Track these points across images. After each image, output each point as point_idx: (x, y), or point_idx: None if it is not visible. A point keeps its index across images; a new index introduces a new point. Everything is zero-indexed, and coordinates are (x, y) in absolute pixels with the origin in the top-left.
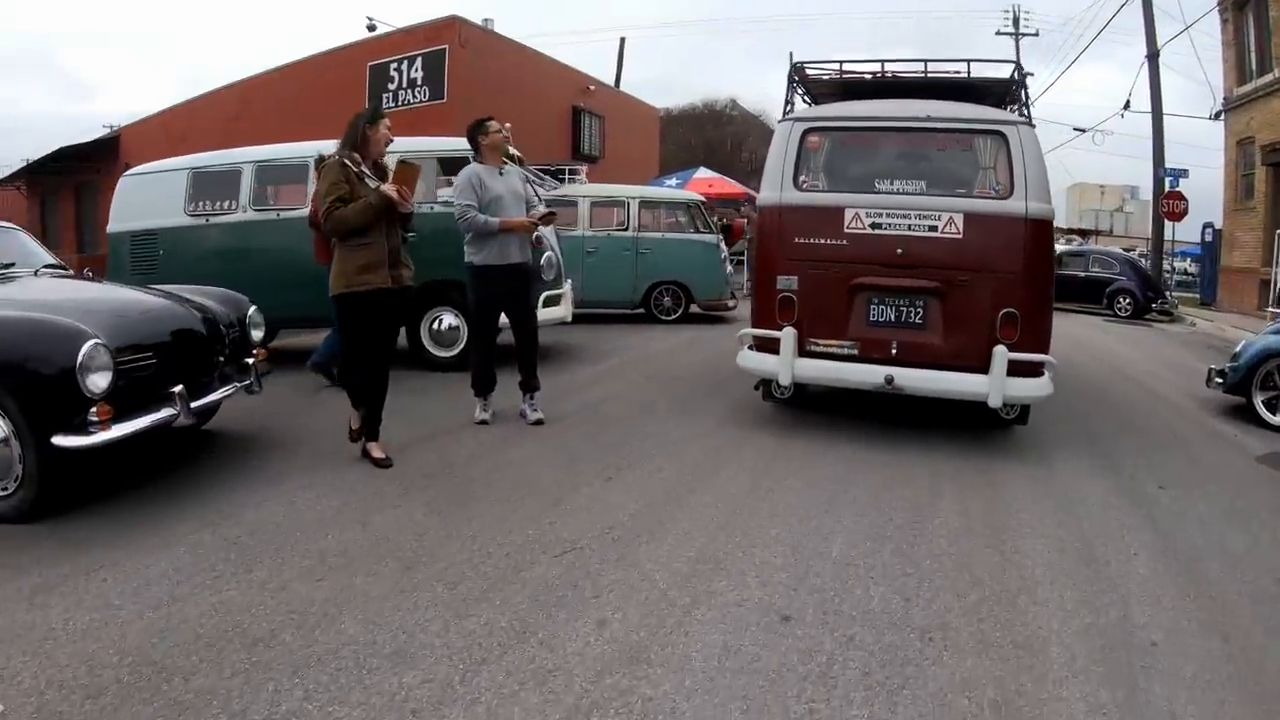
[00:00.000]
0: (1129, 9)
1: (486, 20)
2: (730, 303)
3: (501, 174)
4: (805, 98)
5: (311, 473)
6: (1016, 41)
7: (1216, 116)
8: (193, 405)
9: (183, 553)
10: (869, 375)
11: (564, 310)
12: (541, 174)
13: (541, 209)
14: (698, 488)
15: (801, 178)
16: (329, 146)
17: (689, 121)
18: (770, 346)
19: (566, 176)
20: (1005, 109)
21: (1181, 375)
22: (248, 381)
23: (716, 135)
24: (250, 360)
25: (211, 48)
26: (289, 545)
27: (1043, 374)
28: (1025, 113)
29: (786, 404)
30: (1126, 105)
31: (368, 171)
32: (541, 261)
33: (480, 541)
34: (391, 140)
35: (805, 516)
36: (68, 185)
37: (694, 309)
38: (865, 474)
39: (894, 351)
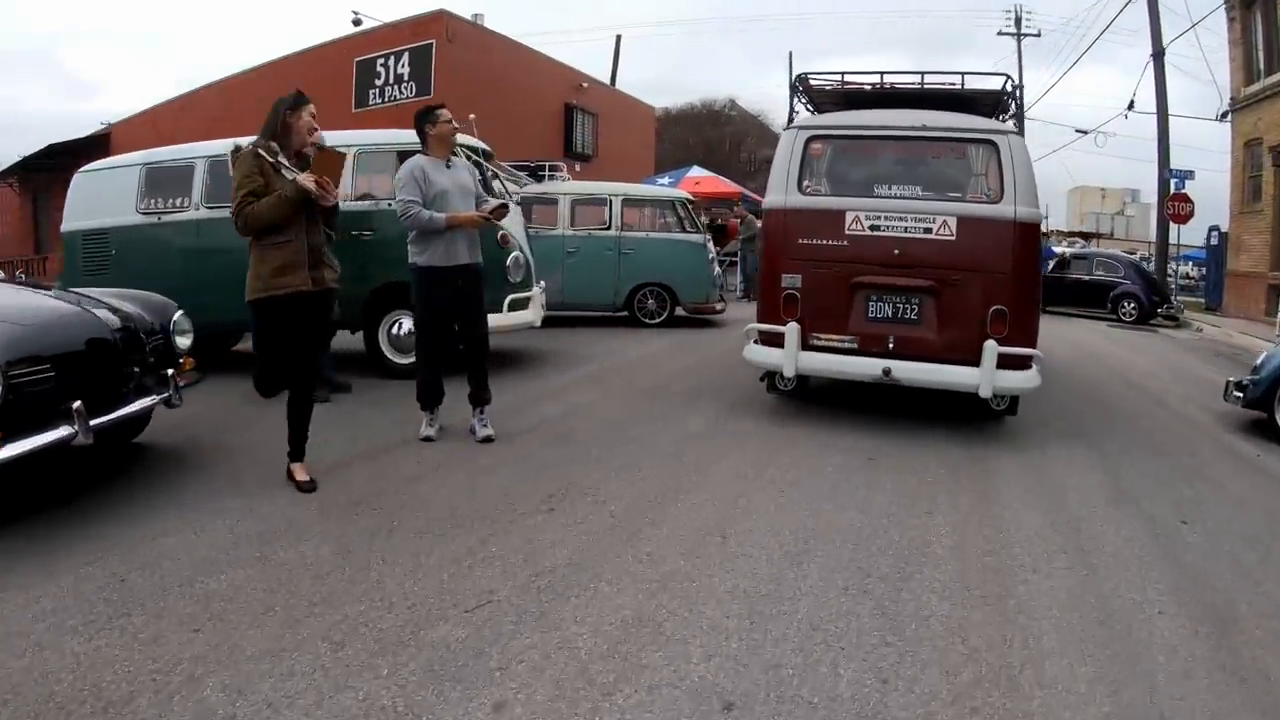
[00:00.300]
0: (1134, 9)
1: (476, 15)
2: (718, 305)
3: (449, 167)
4: (808, 106)
5: (229, 496)
6: (1018, 42)
7: (1223, 117)
8: (100, 422)
9: (67, 589)
10: (868, 368)
11: (532, 314)
12: (516, 170)
13: (493, 202)
14: (651, 521)
15: (805, 182)
16: None
17: (687, 121)
18: (775, 341)
19: (547, 173)
20: (996, 119)
21: (1192, 385)
22: (166, 394)
23: (715, 135)
24: (170, 371)
25: (208, 45)
26: (177, 585)
27: (1030, 367)
28: (1015, 123)
29: (787, 400)
30: (1130, 105)
31: (286, 163)
32: (508, 262)
33: (385, 589)
34: (316, 129)
35: (770, 563)
36: (60, 182)
37: (680, 312)
38: (844, 516)
39: (891, 345)
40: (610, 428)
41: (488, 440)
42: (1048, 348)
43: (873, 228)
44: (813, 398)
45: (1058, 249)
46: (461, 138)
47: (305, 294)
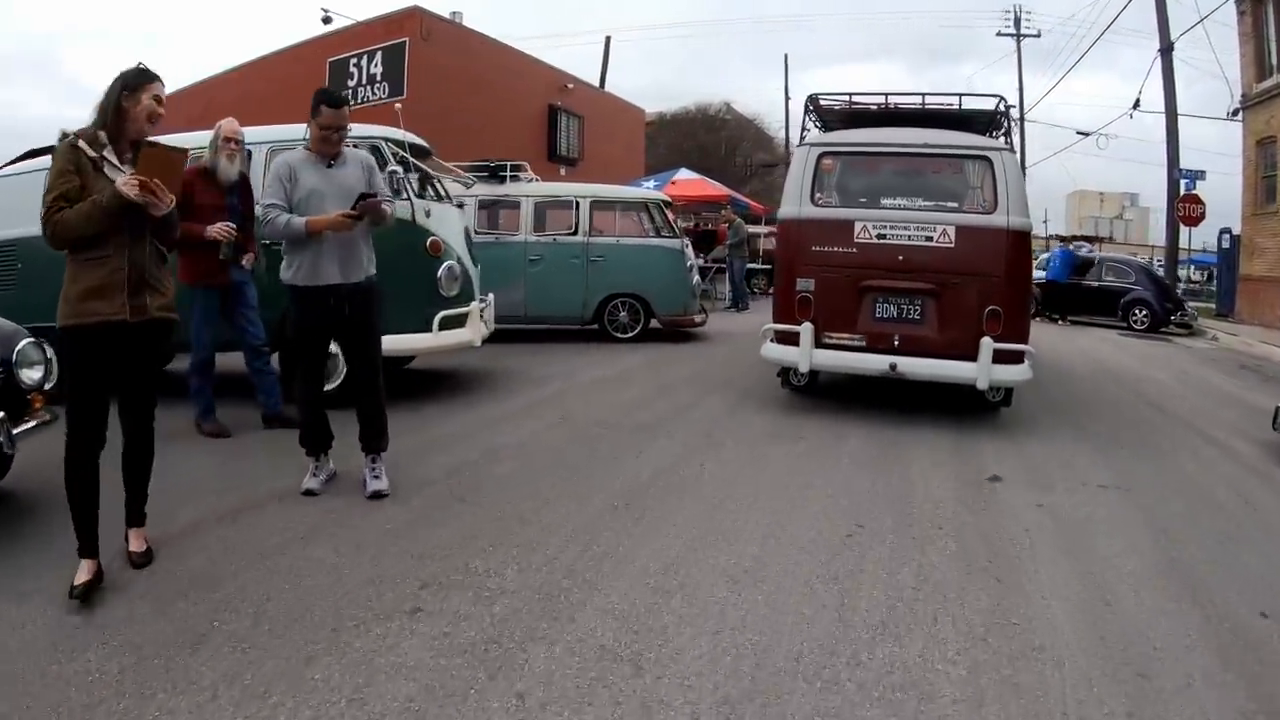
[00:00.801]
0: (1136, 8)
1: (455, 14)
2: (697, 317)
3: (331, 165)
4: (817, 124)
5: (50, 569)
6: (1018, 43)
7: (1234, 114)
8: None
9: None
10: (875, 363)
11: (470, 333)
12: (472, 170)
13: (383, 196)
14: (544, 633)
15: (817, 195)
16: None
17: (682, 125)
18: (791, 339)
19: (509, 174)
20: (990, 136)
21: (1223, 405)
22: None
23: (711, 139)
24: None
25: (205, 45)
26: None
27: (1023, 361)
28: (1007, 139)
29: (759, 433)
30: (1136, 104)
31: (113, 160)
32: (439, 273)
33: None
34: (160, 115)
35: (711, 686)
36: None
37: (655, 324)
38: (814, 627)
39: (896, 343)
40: (537, 476)
41: (378, 496)
42: (1054, 360)
43: (879, 236)
44: (793, 430)
45: (1082, 251)
46: (387, 131)
47: (121, 326)
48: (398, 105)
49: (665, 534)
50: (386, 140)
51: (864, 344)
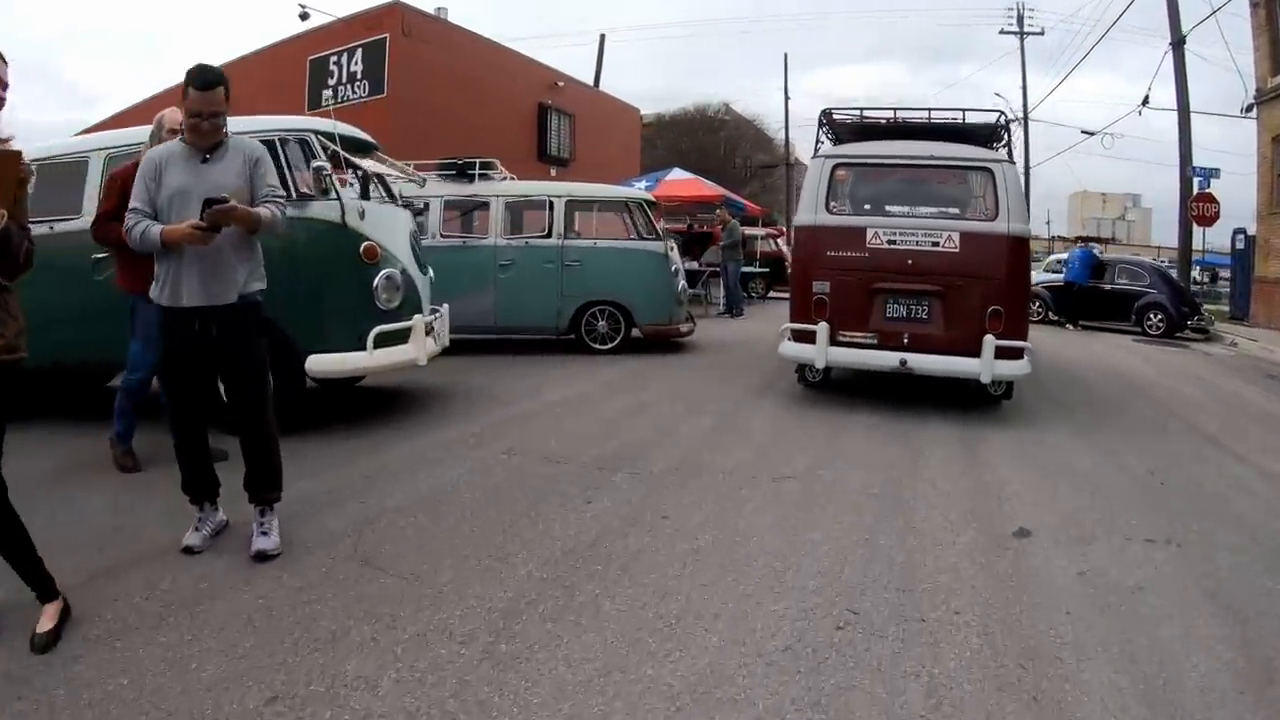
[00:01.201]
0: (1144, 6)
1: (440, 9)
2: (683, 327)
3: (206, 160)
4: (830, 137)
5: None
6: (1021, 41)
7: (1248, 110)
8: None
9: None
10: (886, 359)
11: (414, 349)
12: (436, 169)
13: (270, 196)
14: None
15: (832, 203)
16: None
17: (681, 126)
18: (808, 338)
19: (477, 171)
20: (991, 148)
21: (1256, 421)
22: None
23: (710, 140)
24: None
25: (205, 44)
26: None
27: (1022, 357)
28: (1007, 151)
29: (732, 476)
30: (1145, 100)
31: None
32: (375, 283)
33: None
34: (2, 101)
35: None
36: None
37: (637, 334)
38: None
39: (906, 340)
40: (456, 535)
41: (263, 557)
42: (1072, 371)
43: (889, 242)
44: (781, 463)
45: (1097, 251)
46: (314, 122)
47: None
48: (330, 103)
49: (598, 626)
50: (315, 133)
51: (876, 341)
